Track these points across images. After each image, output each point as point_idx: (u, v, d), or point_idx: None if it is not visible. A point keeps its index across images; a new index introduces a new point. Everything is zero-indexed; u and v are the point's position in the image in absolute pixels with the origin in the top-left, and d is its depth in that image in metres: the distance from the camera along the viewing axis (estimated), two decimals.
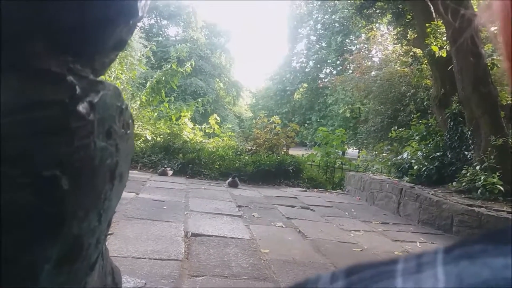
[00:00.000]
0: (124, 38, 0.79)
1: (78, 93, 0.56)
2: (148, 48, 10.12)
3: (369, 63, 14.61)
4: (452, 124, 6.46)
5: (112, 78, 8.42)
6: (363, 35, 16.15)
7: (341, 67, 22.50)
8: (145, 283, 2.31)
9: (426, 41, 6.79)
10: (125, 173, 0.75)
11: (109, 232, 3.41)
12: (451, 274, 0.17)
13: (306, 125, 22.69)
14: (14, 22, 0.56)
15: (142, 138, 8.59)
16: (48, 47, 0.61)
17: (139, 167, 7.62)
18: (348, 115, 17.96)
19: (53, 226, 0.56)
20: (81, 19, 0.65)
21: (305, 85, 26.35)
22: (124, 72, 8.82)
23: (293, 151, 11.24)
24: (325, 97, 22.29)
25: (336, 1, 19.40)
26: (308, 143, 18.93)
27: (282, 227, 4.22)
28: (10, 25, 0.55)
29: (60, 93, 0.54)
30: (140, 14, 0.72)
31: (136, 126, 8.90)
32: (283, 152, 9.42)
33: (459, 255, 0.18)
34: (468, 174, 5.33)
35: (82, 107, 0.56)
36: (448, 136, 6.49)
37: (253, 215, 4.59)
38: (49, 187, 0.52)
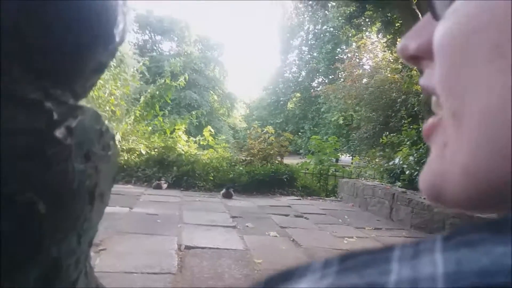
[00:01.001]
0: (104, 62, 0.83)
1: (55, 118, 0.60)
2: (141, 64, 10.18)
3: (360, 71, 14.76)
4: None
5: (106, 94, 8.45)
6: (354, 43, 16.34)
7: (332, 76, 22.71)
8: None
9: None
10: (106, 192, 0.78)
11: (102, 248, 3.40)
12: (450, 260, 0.16)
13: (299, 134, 22.78)
14: None
15: (137, 152, 8.59)
16: (25, 72, 0.64)
17: (133, 181, 7.60)
18: (341, 122, 18.09)
19: (31, 250, 0.58)
20: (58, 44, 0.69)
21: (298, 94, 26.56)
22: (118, 88, 8.86)
23: (287, 160, 11.28)
24: (318, 105, 22.44)
25: (326, 12, 19.67)
26: (302, 151, 19.00)
27: (276, 236, 4.23)
28: None
29: (37, 120, 0.58)
30: (117, 39, 0.76)
31: (130, 140, 8.90)
32: (277, 162, 9.45)
33: (458, 242, 0.17)
34: None
35: (59, 132, 0.59)
36: None
37: (247, 226, 4.60)
38: (26, 212, 0.55)
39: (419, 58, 0.26)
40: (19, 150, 0.54)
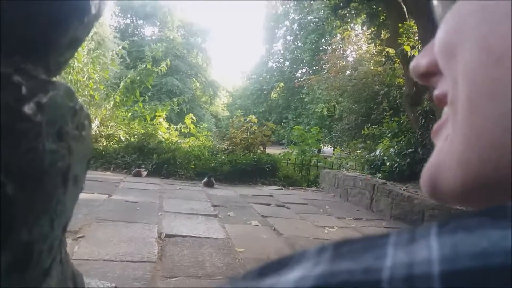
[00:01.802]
0: (79, 36, 0.77)
1: (24, 93, 0.55)
2: (120, 47, 9.94)
3: (344, 63, 14.82)
4: (423, 121, 6.64)
5: (85, 78, 8.22)
6: (338, 35, 16.36)
7: (316, 67, 22.74)
8: (115, 286, 2.27)
9: (399, 41, 6.96)
10: (81, 175, 0.73)
11: (81, 235, 3.32)
12: (446, 244, 0.16)
13: (282, 123, 22.80)
14: None
15: (116, 138, 8.43)
16: None
17: (112, 168, 7.47)
18: (325, 113, 18.18)
19: (0, 232, 0.54)
20: (31, 17, 0.63)
21: (282, 84, 26.50)
22: (97, 71, 8.63)
23: (270, 150, 11.30)
24: (301, 95, 22.48)
25: (311, 1, 19.58)
26: (284, 141, 19.06)
27: (257, 225, 4.23)
28: None
29: (5, 94, 0.52)
30: (93, 11, 0.70)
31: (109, 126, 8.72)
32: (259, 151, 9.44)
33: (454, 227, 0.17)
34: None
35: (28, 108, 0.54)
36: (420, 133, 6.66)
37: (229, 215, 4.58)
38: None
39: (431, 74, 0.27)
40: None
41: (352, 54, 16.19)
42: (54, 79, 0.75)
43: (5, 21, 0.59)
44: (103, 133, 8.38)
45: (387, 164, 6.49)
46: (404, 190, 5.20)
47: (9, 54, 0.61)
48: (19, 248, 0.60)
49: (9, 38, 0.62)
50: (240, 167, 7.85)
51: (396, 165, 6.35)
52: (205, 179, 6.86)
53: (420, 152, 6.43)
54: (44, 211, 0.61)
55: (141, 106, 9.68)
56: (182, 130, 10.08)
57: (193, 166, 7.86)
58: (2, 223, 0.55)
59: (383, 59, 9.38)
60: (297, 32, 26.88)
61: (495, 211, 0.18)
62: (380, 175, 6.50)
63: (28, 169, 0.55)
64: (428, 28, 6.40)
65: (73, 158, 0.65)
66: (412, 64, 0.28)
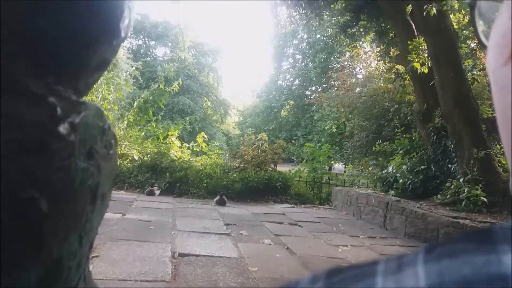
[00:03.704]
0: (107, 58, 0.80)
1: (58, 114, 0.57)
2: (133, 68, 10.14)
3: (353, 80, 14.86)
4: (435, 138, 6.58)
5: (99, 98, 8.39)
6: (347, 53, 16.47)
7: (326, 85, 22.83)
8: None
9: (408, 58, 6.98)
10: (107, 193, 0.75)
11: (95, 254, 3.34)
12: (432, 272, 0.17)
13: (293, 141, 22.80)
14: None
15: (129, 158, 8.51)
16: (28, 67, 0.61)
17: (125, 187, 7.52)
18: (334, 130, 18.14)
19: (32, 248, 0.55)
20: (62, 39, 0.66)
21: (291, 102, 26.64)
22: (111, 92, 8.81)
23: (281, 167, 11.27)
24: (311, 113, 22.52)
25: (321, 21, 19.81)
26: (295, 159, 19.00)
27: (270, 244, 4.19)
28: None
29: (40, 113, 0.55)
30: (123, 34, 0.73)
31: (123, 146, 8.83)
32: (270, 169, 9.43)
33: (440, 254, 0.18)
34: (452, 187, 5.41)
35: (62, 128, 0.56)
36: (432, 149, 6.60)
37: (241, 233, 4.56)
38: (28, 209, 0.52)
39: None
40: (22, 144, 0.51)
41: (361, 72, 16.25)
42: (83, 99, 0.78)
43: (39, 42, 0.62)
44: (117, 153, 8.49)
45: (400, 181, 6.42)
46: (418, 207, 5.12)
47: (42, 75, 0.64)
48: (49, 265, 0.61)
49: (42, 59, 0.65)
50: (251, 185, 7.84)
51: (409, 182, 6.28)
52: (217, 197, 6.86)
53: (433, 169, 6.35)
54: (74, 228, 0.63)
55: (154, 126, 9.80)
56: (194, 149, 10.15)
57: (205, 185, 7.88)
58: (35, 239, 0.56)
59: (393, 76, 9.39)
60: (305, 51, 27.14)
61: (480, 236, 0.18)
62: (393, 192, 6.42)
63: (61, 187, 0.57)
64: (437, 45, 6.42)
65: (101, 176, 0.67)
66: None
